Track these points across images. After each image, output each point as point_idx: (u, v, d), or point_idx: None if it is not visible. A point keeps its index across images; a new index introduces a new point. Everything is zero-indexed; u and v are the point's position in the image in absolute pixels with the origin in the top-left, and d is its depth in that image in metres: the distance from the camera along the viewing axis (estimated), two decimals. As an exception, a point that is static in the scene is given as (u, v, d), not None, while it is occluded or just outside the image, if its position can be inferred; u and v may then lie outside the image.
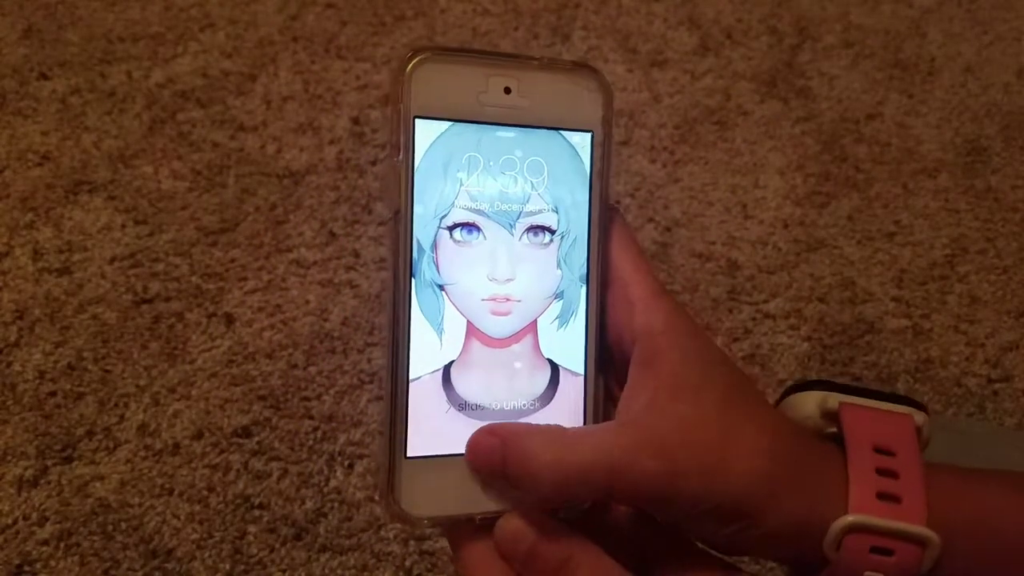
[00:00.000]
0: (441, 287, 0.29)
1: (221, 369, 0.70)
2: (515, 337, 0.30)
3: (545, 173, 0.30)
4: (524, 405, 0.30)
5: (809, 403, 0.31)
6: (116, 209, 0.80)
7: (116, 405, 0.68)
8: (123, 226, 0.79)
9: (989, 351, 0.77)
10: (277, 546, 0.62)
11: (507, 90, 0.29)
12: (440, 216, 0.29)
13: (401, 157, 0.28)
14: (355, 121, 0.90)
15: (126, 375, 0.69)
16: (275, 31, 0.98)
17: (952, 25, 1.09)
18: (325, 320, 0.74)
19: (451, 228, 0.29)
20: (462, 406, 0.29)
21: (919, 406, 0.31)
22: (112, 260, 0.76)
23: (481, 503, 0.29)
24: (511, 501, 0.29)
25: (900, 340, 0.77)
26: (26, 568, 0.60)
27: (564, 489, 0.27)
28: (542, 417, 0.30)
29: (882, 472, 0.28)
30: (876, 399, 0.31)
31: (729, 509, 0.27)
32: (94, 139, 0.86)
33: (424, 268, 0.29)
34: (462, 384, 0.30)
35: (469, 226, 0.29)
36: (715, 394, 0.29)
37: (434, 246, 0.29)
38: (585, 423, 0.31)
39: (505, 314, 0.30)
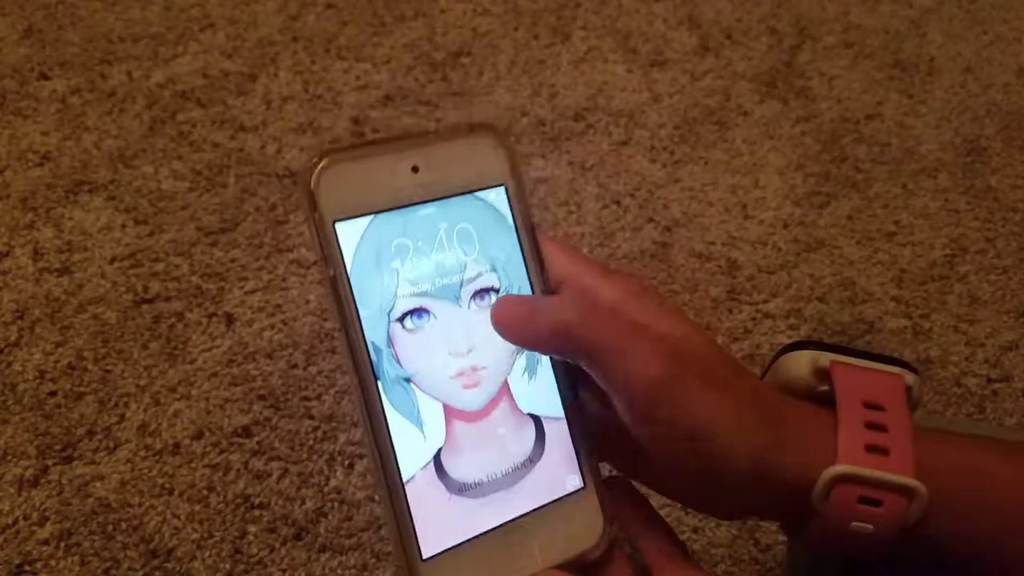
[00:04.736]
0: (408, 380, 0.29)
1: (221, 369, 0.70)
2: (492, 404, 0.30)
3: (475, 237, 0.30)
4: (519, 464, 0.30)
5: (801, 362, 0.32)
6: (116, 209, 0.80)
7: (116, 405, 0.68)
8: (123, 226, 0.79)
9: (989, 351, 0.77)
10: (277, 546, 0.62)
11: (415, 169, 0.29)
12: (387, 311, 0.29)
13: (332, 270, 0.28)
14: (355, 121, 0.90)
15: (126, 375, 0.69)
16: (275, 31, 0.98)
17: (952, 25, 1.09)
18: (325, 320, 0.74)
19: (401, 319, 0.29)
20: (461, 489, 0.29)
21: (910, 367, 0.32)
22: (112, 260, 0.76)
23: (504, 574, 0.29)
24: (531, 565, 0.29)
25: (900, 340, 0.77)
26: (26, 568, 0.60)
27: (583, 323, 0.28)
28: (539, 470, 0.31)
29: (871, 426, 0.29)
30: (868, 359, 0.32)
31: (714, 435, 0.27)
32: (94, 139, 0.86)
33: (386, 367, 0.29)
34: (455, 468, 0.29)
35: (417, 312, 0.29)
36: (702, 334, 0.30)
37: (390, 342, 0.29)
38: (579, 461, 0.31)
39: (475, 385, 0.30)
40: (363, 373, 0.28)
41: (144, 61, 0.93)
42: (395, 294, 0.29)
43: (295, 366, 0.71)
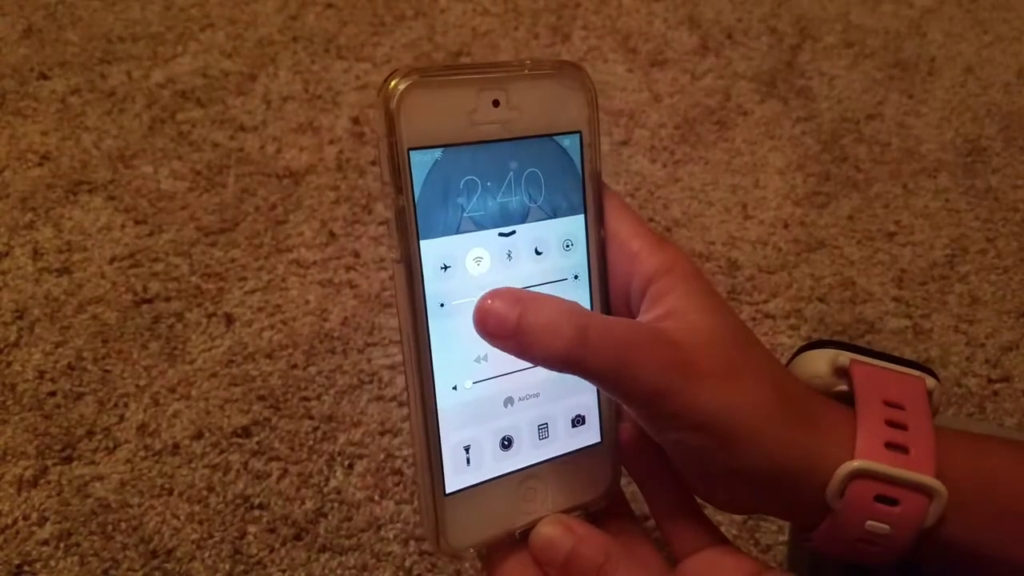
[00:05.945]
0: (456, 315, 0.28)
1: (221, 369, 0.70)
2: None
3: (542, 183, 0.29)
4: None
5: (820, 360, 0.31)
6: (116, 209, 0.80)
7: (116, 405, 0.68)
8: (123, 226, 0.79)
9: (989, 351, 0.77)
10: (277, 546, 0.62)
11: (496, 102, 0.28)
12: (445, 247, 0.28)
13: (403, 200, 0.26)
14: (355, 121, 0.90)
15: (126, 375, 0.69)
16: (275, 31, 0.98)
17: (952, 25, 1.09)
18: (325, 320, 0.74)
19: (457, 257, 0.28)
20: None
21: (930, 372, 0.31)
22: (112, 260, 0.76)
23: (518, 517, 0.30)
24: (543, 506, 0.30)
25: (900, 340, 0.77)
26: (26, 568, 0.60)
27: (578, 349, 0.25)
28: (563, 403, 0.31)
29: (891, 424, 0.28)
30: (888, 362, 0.31)
31: (729, 427, 0.26)
32: (94, 139, 0.86)
33: (437, 301, 0.28)
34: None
35: (475, 252, 0.28)
36: (728, 319, 0.28)
37: (444, 277, 0.28)
38: (600, 417, 0.31)
39: None
40: (417, 304, 0.27)
41: (144, 61, 0.93)
42: (456, 231, 0.28)
43: (295, 366, 0.71)
